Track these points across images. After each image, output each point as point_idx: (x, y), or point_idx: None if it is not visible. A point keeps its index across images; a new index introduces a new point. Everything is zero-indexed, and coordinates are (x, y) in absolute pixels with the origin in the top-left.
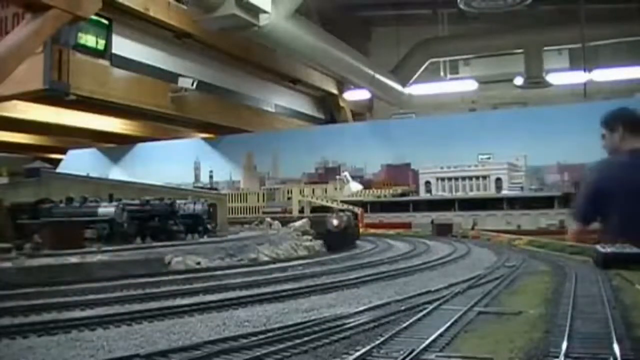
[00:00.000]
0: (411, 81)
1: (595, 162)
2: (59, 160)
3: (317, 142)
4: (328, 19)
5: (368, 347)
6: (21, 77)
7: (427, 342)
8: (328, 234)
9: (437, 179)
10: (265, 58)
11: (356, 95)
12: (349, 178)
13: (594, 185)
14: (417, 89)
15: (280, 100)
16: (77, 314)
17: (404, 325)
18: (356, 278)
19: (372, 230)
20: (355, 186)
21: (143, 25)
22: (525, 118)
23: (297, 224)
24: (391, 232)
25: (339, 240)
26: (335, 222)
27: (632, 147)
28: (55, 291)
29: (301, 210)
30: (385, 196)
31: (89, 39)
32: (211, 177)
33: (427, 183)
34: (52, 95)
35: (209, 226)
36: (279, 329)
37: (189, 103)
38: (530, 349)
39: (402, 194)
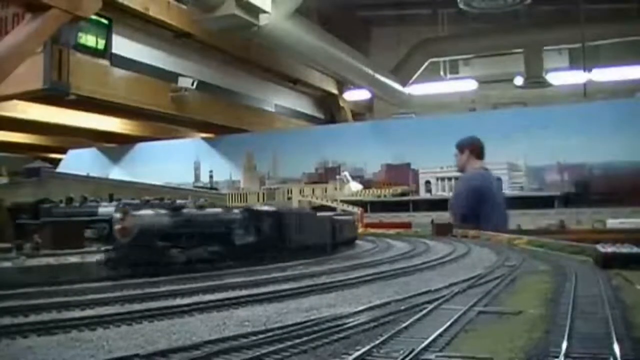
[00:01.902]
0: (411, 81)
1: (466, 176)
2: (59, 160)
3: (317, 142)
4: (328, 19)
5: (368, 347)
6: (21, 77)
7: (427, 341)
8: (114, 248)
9: (437, 179)
10: (265, 58)
11: (356, 95)
12: (349, 178)
13: (476, 190)
14: (417, 89)
15: (280, 100)
16: (77, 314)
17: (404, 325)
18: (356, 278)
19: (372, 230)
20: (355, 186)
21: (143, 25)
22: (525, 118)
23: None
24: (391, 231)
25: (133, 256)
26: (121, 225)
27: (479, 166)
28: (55, 291)
29: None
30: (385, 196)
31: (89, 39)
32: (211, 177)
33: (427, 183)
34: (52, 95)
35: None
36: (279, 328)
37: (189, 103)
38: (530, 348)
39: (402, 194)
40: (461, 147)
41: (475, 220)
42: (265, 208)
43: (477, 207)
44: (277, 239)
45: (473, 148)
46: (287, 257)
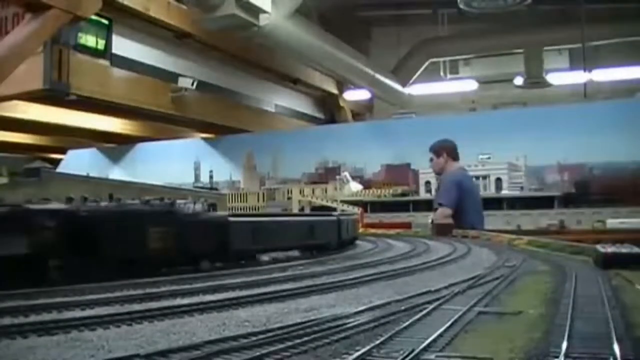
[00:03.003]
0: (411, 81)
1: (448, 175)
2: (59, 160)
3: (317, 142)
4: (328, 19)
5: (368, 347)
6: (21, 77)
7: (427, 342)
8: None
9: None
10: (265, 58)
11: (356, 95)
12: (349, 178)
13: (459, 185)
14: (417, 89)
15: (280, 100)
16: (77, 313)
17: (404, 325)
18: (356, 278)
19: (372, 230)
20: (355, 186)
21: (143, 25)
22: (525, 118)
23: None
24: (391, 232)
25: None
26: None
27: (458, 167)
28: (55, 291)
29: (301, 210)
30: (385, 196)
31: (89, 39)
32: (211, 177)
33: (427, 183)
34: (52, 95)
35: None
36: (279, 328)
37: (189, 103)
38: (530, 348)
39: (402, 194)
40: (438, 150)
41: (456, 215)
42: (50, 206)
43: (460, 202)
44: (68, 253)
45: (450, 150)
46: (89, 277)
